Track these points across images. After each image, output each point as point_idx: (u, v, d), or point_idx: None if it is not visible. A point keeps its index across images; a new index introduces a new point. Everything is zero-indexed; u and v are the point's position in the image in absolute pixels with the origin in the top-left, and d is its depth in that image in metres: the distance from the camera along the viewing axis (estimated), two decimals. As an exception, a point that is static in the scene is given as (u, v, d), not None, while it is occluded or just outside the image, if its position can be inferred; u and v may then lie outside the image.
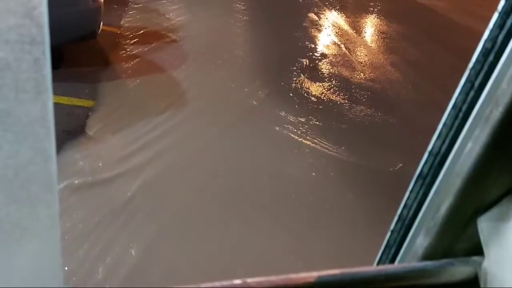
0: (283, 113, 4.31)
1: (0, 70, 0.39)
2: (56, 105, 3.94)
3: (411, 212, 0.64)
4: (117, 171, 3.24)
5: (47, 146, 0.43)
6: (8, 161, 0.43)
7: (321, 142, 3.94)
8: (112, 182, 3.14)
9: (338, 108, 4.60)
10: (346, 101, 4.75)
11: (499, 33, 0.51)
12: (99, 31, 4.54)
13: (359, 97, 4.87)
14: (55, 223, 0.47)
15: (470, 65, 0.54)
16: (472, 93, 0.54)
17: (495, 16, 0.52)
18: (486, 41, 0.52)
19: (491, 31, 0.52)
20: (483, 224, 0.56)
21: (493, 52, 0.52)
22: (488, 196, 0.56)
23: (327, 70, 5.43)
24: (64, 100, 3.91)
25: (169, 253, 2.69)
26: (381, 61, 5.92)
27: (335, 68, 5.50)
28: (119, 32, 5.58)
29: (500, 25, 0.51)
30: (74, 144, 3.43)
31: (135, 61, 4.90)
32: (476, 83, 0.53)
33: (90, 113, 3.87)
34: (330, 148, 3.87)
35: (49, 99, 0.42)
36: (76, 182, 3.07)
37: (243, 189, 3.31)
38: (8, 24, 0.38)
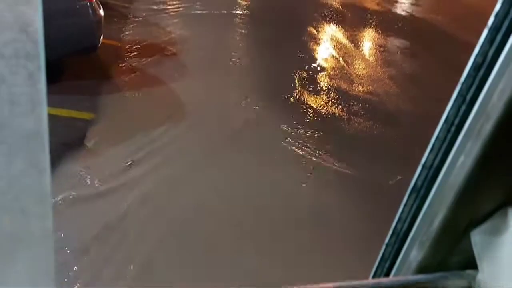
0: (282, 126, 4.32)
1: (-5, 84, 0.40)
2: (56, 117, 3.97)
3: (406, 225, 0.64)
4: (114, 184, 3.24)
5: (42, 159, 0.43)
6: (2, 173, 0.43)
7: (320, 154, 3.94)
8: (110, 195, 3.14)
9: (337, 121, 4.62)
10: (345, 113, 4.77)
11: (489, 48, 0.52)
12: (100, 44, 4.57)
13: (357, 109, 4.89)
14: (49, 236, 0.47)
15: (462, 79, 0.55)
16: (464, 107, 0.54)
17: (485, 31, 0.52)
18: (477, 55, 0.53)
19: (482, 46, 0.53)
20: (477, 237, 0.56)
21: (483, 67, 0.52)
22: (481, 209, 0.56)
23: (326, 83, 5.45)
24: (64, 112, 3.92)
25: (167, 268, 2.67)
26: (379, 74, 5.96)
27: (334, 81, 5.53)
28: (119, 45, 5.62)
29: (490, 40, 0.52)
30: (72, 156, 3.43)
31: (134, 74, 4.93)
32: (468, 97, 0.54)
33: (89, 126, 3.87)
34: (328, 161, 3.88)
35: (44, 113, 0.42)
36: (73, 194, 3.06)
37: (242, 203, 3.30)
38: (4, 39, 0.38)
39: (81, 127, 3.83)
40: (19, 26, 0.38)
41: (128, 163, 3.47)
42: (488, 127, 0.50)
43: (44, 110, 0.42)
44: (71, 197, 3.04)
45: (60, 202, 2.95)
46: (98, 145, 3.66)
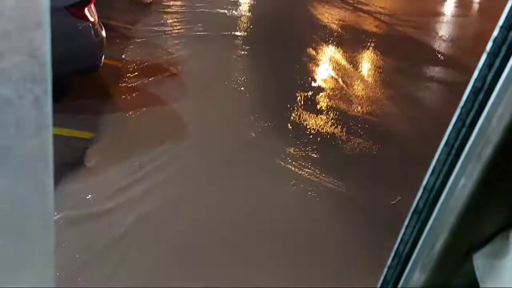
0: (281, 145, 4.33)
1: (1, 107, 0.40)
2: (56, 136, 3.96)
3: (408, 247, 0.64)
4: (114, 203, 3.22)
5: (46, 182, 0.43)
6: (6, 195, 0.43)
7: (319, 174, 3.94)
8: (109, 214, 3.12)
9: (336, 141, 4.63)
10: (344, 133, 4.79)
11: (488, 73, 0.53)
12: (101, 64, 4.61)
13: (356, 129, 4.91)
14: (51, 258, 0.47)
15: (461, 103, 0.56)
16: (463, 131, 0.55)
17: (484, 56, 0.53)
18: (476, 80, 0.54)
19: (480, 70, 0.54)
20: (479, 260, 0.56)
21: (482, 91, 0.53)
22: (483, 232, 0.56)
23: (325, 103, 5.49)
24: (64, 131, 3.93)
25: (168, 285, 2.64)
26: (378, 95, 6.00)
27: (333, 101, 5.57)
28: (120, 65, 5.68)
29: (488, 65, 0.53)
30: (72, 175, 3.43)
31: (135, 94, 4.96)
32: (467, 121, 0.54)
33: (89, 145, 3.88)
34: (328, 181, 3.87)
35: (49, 136, 0.42)
36: (73, 214, 3.05)
37: (241, 223, 3.28)
38: (12, 63, 0.39)
39: (81, 147, 3.84)
40: (27, 50, 0.39)
41: (128, 183, 3.46)
42: (488, 150, 0.51)
43: (49, 133, 0.42)
44: (70, 216, 3.02)
45: (60, 221, 2.93)
46: (98, 164, 3.66)
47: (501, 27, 0.52)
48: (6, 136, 0.41)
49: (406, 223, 0.65)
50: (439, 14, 13.19)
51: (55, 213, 2.95)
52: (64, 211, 3.03)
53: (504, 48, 0.51)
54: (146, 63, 5.83)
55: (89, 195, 3.27)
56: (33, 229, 0.45)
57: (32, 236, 0.45)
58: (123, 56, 5.99)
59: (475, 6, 15.97)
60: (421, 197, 0.61)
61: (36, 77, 0.40)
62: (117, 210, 3.17)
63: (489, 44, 0.53)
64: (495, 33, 0.52)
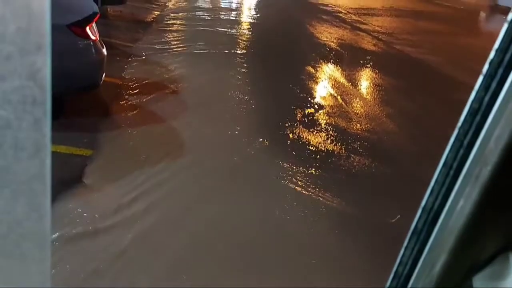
0: (280, 163, 4.33)
1: (0, 128, 0.40)
2: (54, 154, 3.94)
3: (407, 268, 0.64)
4: (111, 221, 3.20)
5: (43, 203, 0.43)
6: (3, 216, 0.43)
7: (319, 192, 3.92)
8: (106, 233, 3.09)
9: (336, 158, 4.63)
10: (343, 151, 4.79)
11: (485, 94, 0.53)
12: (101, 82, 4.64)
13: (356, 147, 4.91)
14: (47, 278, 0.47)
15: (459, 124, 0.56)
16: (461, 152, 0.55)
17: (480, 78, 0.54)
18: (472, 101, 0.55)
19: (477, 92, 0.54)
20: (479, 283, 0.56)
21: (480, 113, 0.53)
22: (483, 254, 0.56)
23: (324, 121, 5.51)
24: (62, 149, 3.93)
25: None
26: (377, 113, 6.03)
27: (332, 119, 5.59)
28: (120, 83, 5.71)
29: (485, 87, 0.53)
30: (69, 193, 3.41)
31: (135, 111, 4.98)
32: (465, 142, 0.55)
33: (88, 162, 3.87)
34: (328, 198, 3.85)
35: (48, 157, 0.43)
36: (70, 232, 3.02)
37: (241, 241, 3.25)
38: (13, 86, 0.40)
39: (79, 164, 3.83)
40: (28, 73, 0.39)
41: (127, 200, 3.45)
42: (486, 172, 0.51)
43: (48, 155, 0.42)
44: (67, 234, 2.99)
45: (56, 240, 2.91)
46: (97, 182, 3.65)
47: (497, 50, 0.52)
48: (4, 157, 0.41)
49: (405, 243, 0.65)
50: (436, 33, 13.35)
51: (52, 232, 2.93)
52: (61, 230, 3.01)
53: (500, 71, 0.51)
54: (146, 81, 5.87)
55: (87, 213, 3.25)
56: (30, 250, 0.45)
57: (29, 257, 0.45)
58: (123, 74, 6.03)
59: (472, 25, 16.19)
60: (420, 217, 0.61)
61: (36, 99, 0.40)
62: (115, 228, 3.15)
63: (485, 67, 0.53)
64: (491, 55, 0.53)
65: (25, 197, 0.43)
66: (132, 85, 5.68)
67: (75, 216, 3.20)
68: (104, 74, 4.67)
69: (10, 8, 0.38)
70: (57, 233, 2.95)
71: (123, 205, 3.39)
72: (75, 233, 3.03)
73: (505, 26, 0.52)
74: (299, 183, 4.03)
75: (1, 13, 0.37)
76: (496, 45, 0.53)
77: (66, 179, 3.55)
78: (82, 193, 3.47)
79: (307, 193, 3.90)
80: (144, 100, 5.29)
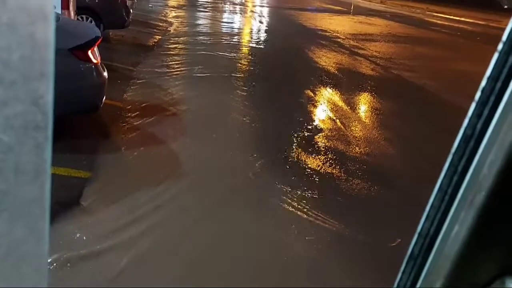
0: (279, 186, 4.32)
1: (2, 153, 0.41)
2: (52, 175, 3.91)
3: (404, 294, 0.63)
4: (108, 244, 3.17)
5: (41, 227, 0.44)
6: (1, 240, 0.43)
7: (318, 215, 3.90)
8: (103, 256, 3.06)
9: (335, 181, 4.62)
10: (342, 174, 4.79)
11: (478, 121, 0.54)
12: (102, 105, 4.67)
13: (355, 170, 4.91)
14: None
15: (453, 150, 0.57)
16: (456, 177, 0.55)
17: (473, 105, 0.55)
18: (466, 128, 0.55)
19: (470, 119, 0.55)
20: (476, 309, 0.55)
21: (473, 139, 0.54)
22: (479, 279, 0.56)
23: (323, 144, 5.52)
24: (61, 171, 3.93)
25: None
26: (376, 136, 6.05)
27: (331, 142, 5.61)
28: (121, 105, 5.75)
29: (477, 114, 0.54)
30: (67, 215, 3.39)
31: (134, 133, 5.00)
32: (459, 168, 0.55)
33: (86, 184, 3.87)
34: (326, 222, 3.83)
35: (47, 181, 0.43)
36: (66, 255, 2.99)
37: (240, 265, 3.21)
38: (15, 111, 0.40)
39: (77, 186, 3.82)
40: (31, 99, 0.40)
41: (124, 223, 3.42)
42: (480, 197, 0.51)
43: (48, 179, 0.43)
44: (64, 257, 2.96)
45: (53, 263, 2.88)
46: (95, 204, 3.63)
47: (489, 78, 0.54)
48: (4, 181, 0.42)
49: (402, 268, 0.65)
50: (434, 58, 13.53)
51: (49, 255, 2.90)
52: (57, 252, 2.98)
53: (492, 98, 0.53)
54: (146, 103, 5.92)
55: (83, 236, 3.22)
56: (27, 273, 0.45)
57: (26, 280, 0.45)
58: (123, 97, 6.08)
59: (469, 51, 16.42)
60: (416, 243, 0.61)
61: (39, 125, 0.41)
62: (111, 251, 3.11)
63: (478, 94, 0.54)
64: (483, 83, 0.54)
65: (23, 221, 0.43)
66: (132, 108, 5.72)
67: (72, 239, 3.17)
68: (104, 96, 4.71)
69: (15, 37, 0.39)
70: (53, 256, 2.92)
71: (120, 227, 3.36)
72: (71, 256, 3.00)
73: (496, 55, 0.53)
74: (298, 206, 4.01)
75: (6, 42, 0.38)
76: (488, 73, 0.54)
77: (64, 201, 3.53)
78: (80, 215, 3.45)
79: (306, 216, 3.88)
80: (144, 122, 5.32)
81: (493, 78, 0.54)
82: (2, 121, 0.40)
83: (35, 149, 0.41)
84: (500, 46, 0.52)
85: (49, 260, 2.86)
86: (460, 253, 0.54)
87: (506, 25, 0.54)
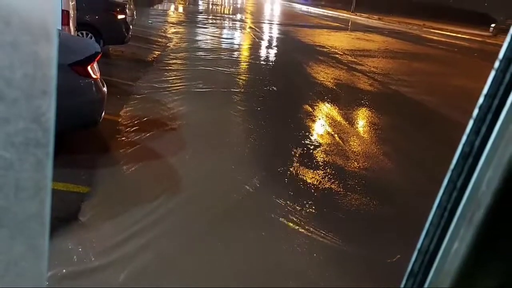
0: (278, 201, 4.30)
1: (3, 169, 0.41)
2: (51, 190, 3.93)
3: (405, 311, 0.63)
4: (106, 260, 3.14)
5: (40, 243, 0.44)
6: (0, 256, 0.43)
7: (317, 230, 3.88)
8: (100, 272, 3.03)
9: (333, 196, 4.61)
10: (341, 189, 4.78)
11: (476, 138, 0.54)
12: (101, 120, 4.68)
13: (354, 185, 4.90)
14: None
15: (451, 166, 0.57)
16: (455, 194, 0.56)
17: (471, 123, 0.55)
18: (464, 145, 0.56)
19: (468, 136, 0.55)
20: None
21: (471, 156, 0.55)
22: (479, 297, 0.55)
23: (322, 159, 5.53)
24: (59, 186, 3.91)
25: None
26: (374, 151, 6.06)
27: (329, 157, 5.61)
28: (120, 120, 5.76)
29: (475, 131, 0.54)
30: (65, 231, 3.37)
31: (133, 148, 5.00)
32: (458, 184, 0.56)
33: (84, 199, 3.85)
34: (326, 237, 3.81)
35: (47, 197, 0.43)
36: (64, 271, 2.96)
37: (239, 281, 3.19)
38: (17, 128, 0.41)
39: (76, 201, 3.80)
40: (32, 117, 0.41)
41: (123, 238, 3.40)
42: (479, 214, 0.51)
43: (48, 195, 0.43)
44: (62, 273, 2.93)
45: (50, 278, 2.84)
46: (93, 219, 3.61)
47: (486, 95, 0.54)
48: (4, 198, 0.42)
49: (402, 285, 0.65)
50: (431, 74, 13.64)
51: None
52: (55, 268, 2.95)
53: (489, 116, 0.53)
54: (145, 118, 5.93)
55: (81, 251, 3.19)
56: (25, 290, 0.45)
57: None
58: (123, 111, 6.10)
59: (466, 67, 16.56)
60: (416, 260, 0.61)
61: (40, 142, 0.41)
62: (110, 266, 3.09)
63: (475, 111, 0.55)
64: (480, 100, 0.55)
65: (23, 237, 0.43)
66: (131, 123, 5.72)
67: (70, 254, 3.14)
68: (104, 111, 4.72)
69: (18, 55, 0.39)
70: (51, 272, 2.89)
71: (118, 243, 3.34)
72: (68, 272, 2.97)
73: (492, 73, 0.54)
74: (297, 221, 4.00)
75: (9, 60, 0.39)
76: (485, 91, 0.55)
77: (62, 216, 3.51)
78: (78, 231, 3.42)
79: (305, 231, 3.86)
80: (143, 137, 5.32)
81: (490, 96, 0.54)
82: (3, 138, 0.40)
83: (36, 165, 0.42)
84: (496, 64, 0.53)
85: (47, 276, 2.83)
86: (460, 270, 0.54)
87: (503, 41, 0.55)
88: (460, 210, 0.54)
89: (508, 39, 0.53)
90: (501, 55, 0.54)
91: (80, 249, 3.21)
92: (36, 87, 0.40)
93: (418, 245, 0.61)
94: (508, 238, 0.53)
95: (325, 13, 41.83)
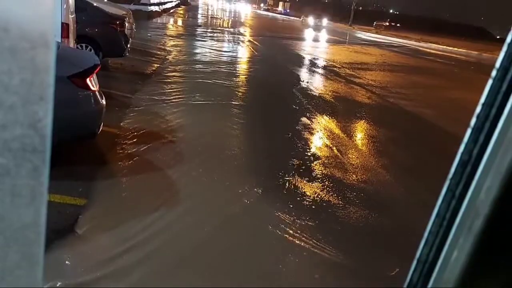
0: (276, 213, 4.28)
1: (-1, 176, 0.41)
2: (48, 203, 3.90)
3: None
4: (102, 273, 3.11)
5: (36, 251, 0.43)
6: (-6, 264, 0.43)
7: (315, 243, 3.86)
8: (98, 284, 3.00)
9: (332, 209, 4.59)
10: (340, 202, 4.76)
11: (474, 147, 0.54)
12: (99, 132, 4.68)
13: (352, 198, 4.89)
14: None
15: (450, 175, 0.57)
16: (453, 202, 0.55)
17: (469, 131, 0.55)
18: (462, 153, 0.56)
19: (466, 145, 0.55)
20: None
21: (470, 164, 0.55)
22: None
23: (320, 171, 5.52)
24: (56, 198, 3.89)
25: None
26: (372, 164, 6.06)
27: (328, 169, 5.60)
28: (118, 132, 5.76)
29: (474, 140, 0.55)
30: (61, 243, 3.34)
31: (131, 160, 4.98)
32: (457, 193, 0.55)
33: (81, 212, 3.82)
34: (324, 250, 3.78)
35: (44, 205, 0.43)
36: (59, 284, 2.93)
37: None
38: (14, 134, 0.41)
39: (72, 213, 3.78)
40: (29, 123, 0.41)
41: (120, 251, 3.37)
42: (478, 223, 0.51)
43: (44, 202, 0.43)
44: (58, 286, 2.90)
45: (44, 292, 2.81)
46: (90, 231, 3.58)
47: (483, 104, 0.55)
48: (1, 205, 0.41)
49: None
50: (429, 87, 13.72)
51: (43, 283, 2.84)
52: (51, 281, 2.91)
53: (487, 124, 0.53)
54: (143, 130, 5.93)
55: (78, 264, 3.16)
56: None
57: None
58: (121, 124, 6.10)
59: (463, 80, 16.69)
60: (415, 269, 0.60)
61: (36, 148, 0.41)
62: (107, 279, 3.05)
63: (473, 120, 0.55)
64: (478, 109, 0.55)
65: (18, 245, 0.42)
66: (130, 135, 5.72)
67: (65, 267, 3.11)
68: (102, 123, 4.72)
69: (16, 61, 0.39)
70: (47, 284, 2.86)
71: (115, 255, 3.31)
72: (65, 284, 2.93)
73: (490, 82, 0.54)
74: (295, 234, 3.97)
75: (7, 66, 0.39)
76: (482, 100, 0.55)
77: (59, 228, 3.48)
78: (74, 243, 3.39)
79: (303, 244, 3.83)
80: (141, 149, 5.32)
81: (487, 105, 0.54)
82: (0, 143, 0.40)
83: (32, 172, 0.41)
84: (493, 73, 0.53)
85: (41, 290, 2.79)
86: (460, 279, 0.53)
87: (499, 54, 0.55)
88: (459, 218, 0.54)
89: (504, 48, 0.54)
90: (498, 64, 0.54)
91: (76, 262, 3.18)
92: (33, 93, 0.40)
93: (417, 255, 0.60)
94: (507, 247, 0.53)
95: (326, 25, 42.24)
